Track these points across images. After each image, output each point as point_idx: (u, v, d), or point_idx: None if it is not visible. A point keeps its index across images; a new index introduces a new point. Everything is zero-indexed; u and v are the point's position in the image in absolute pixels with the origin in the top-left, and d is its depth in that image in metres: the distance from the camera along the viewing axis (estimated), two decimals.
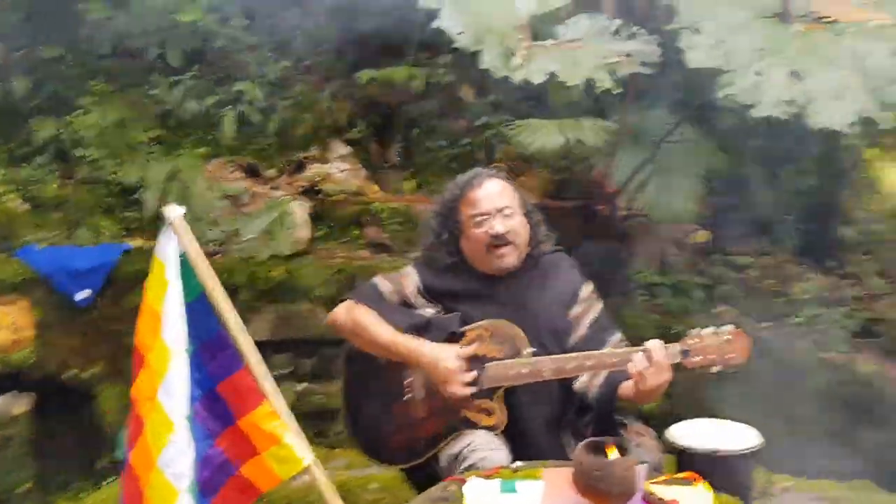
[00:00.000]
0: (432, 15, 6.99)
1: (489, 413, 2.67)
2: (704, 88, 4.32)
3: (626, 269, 6.18)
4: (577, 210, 5.45)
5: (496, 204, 2.74)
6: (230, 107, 6.91)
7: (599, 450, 1.99)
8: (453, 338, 2.69)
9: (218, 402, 1.99)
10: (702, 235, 6.98)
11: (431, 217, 2.93)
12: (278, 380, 2.46)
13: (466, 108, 7.53)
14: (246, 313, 6.02)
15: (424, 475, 2.76)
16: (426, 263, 2.87)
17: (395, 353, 2.69)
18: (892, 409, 5.64)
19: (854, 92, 3.86)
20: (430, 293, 2.78)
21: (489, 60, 4.03)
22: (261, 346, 5.59)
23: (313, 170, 7.06)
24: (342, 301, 2.92)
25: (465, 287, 2.79)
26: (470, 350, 2.64)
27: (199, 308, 2.02)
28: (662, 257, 6.48)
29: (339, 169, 7.19)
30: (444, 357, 2.62)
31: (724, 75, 4.00)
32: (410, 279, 2.85)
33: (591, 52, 4.28)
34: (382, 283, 2.88)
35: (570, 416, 2.78)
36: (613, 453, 1.97)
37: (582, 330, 2.78)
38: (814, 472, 4.47)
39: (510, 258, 2.74)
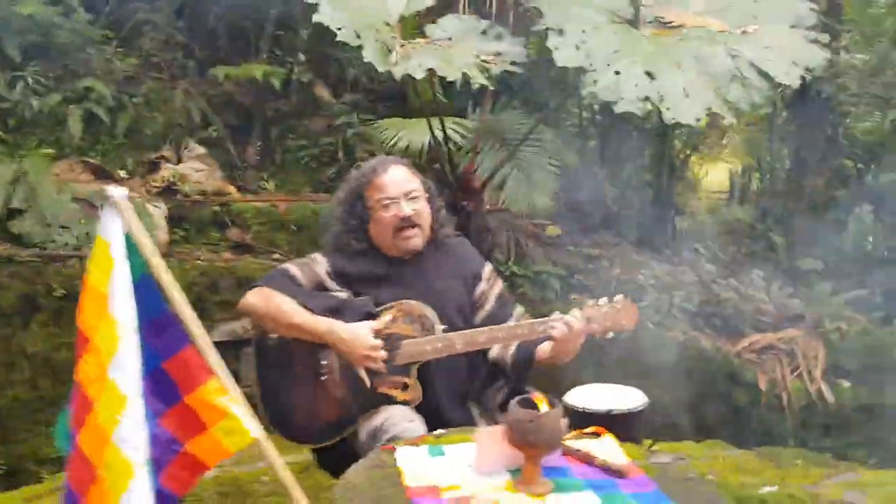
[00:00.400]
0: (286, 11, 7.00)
1: (405, 388, 2.78)
2: (568, 87, 4.63)
3: (490, 262, 6.46)
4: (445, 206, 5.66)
5: (403, 188, 2.85)
6: (76, 105, 6.55)
7: (531, 405, 2.15)
8: (367, 318, 2.77)
9: (162, 381, 1.96)
10: (552, 229, 7.44)
11: (336, 206, 2.98)
12: None
13: (325, 108, 7.57)
14: None
15: (336, 456, 2.81)
16: (335, 250, 2.93)
17: (312, 334, 2.73)
18: (729, 378, 6.29)
19: (700, 90, 4.30)
20: (340, 278, 2.84)
21: (370, 55, 4.13)
22: None
23: (167, 170, 6.83)
24: (251, 288, 2.92)
25: (374, 271, 2.87)
26: (382, 325, 2.73)
27: (143, 287, 1.99)
28: (521, 249, 6.83)
29: (194, 169, 6.99)
30: (361, 335, 2.69)
31: (588, 74, 4.33)
32: (320, 265, 2.90)
33: (464, 50, 4.49)
34: (293, 268, 2.91)
35: (478, 389, 2.94)
36: (544, 406, 2.14)
37: (488, 306, 2.95)
38: (670, 436, 4.90)
39: (417, 240, 2.86)
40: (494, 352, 2.86)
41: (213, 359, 2.01)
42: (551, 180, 6.39)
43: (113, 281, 1.90)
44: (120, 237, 1.96)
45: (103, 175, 6.58)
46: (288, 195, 7.31)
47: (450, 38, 4.62)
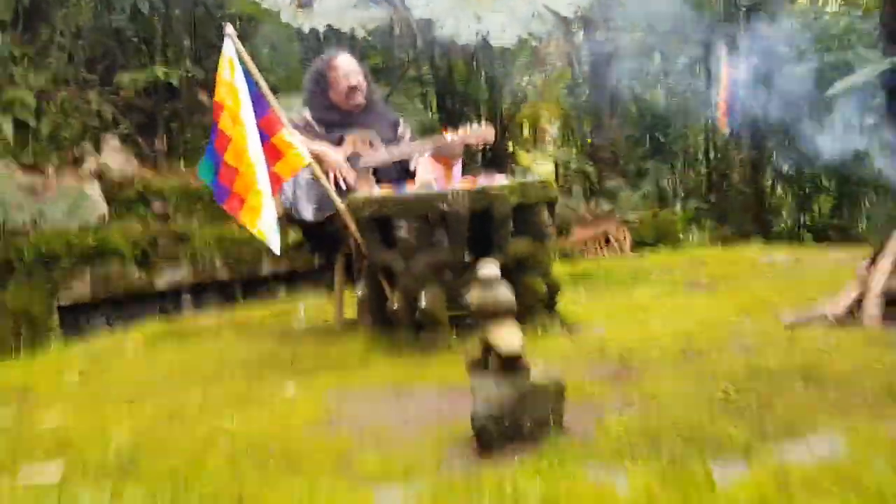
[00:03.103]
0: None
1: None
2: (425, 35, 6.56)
3: None
4: None
5: (350, 67, 4.55)
6: (4, 114, 7.71)
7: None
8: (339, 145, 4.43)
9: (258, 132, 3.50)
10: None
11: (307, 81, 4.60)
12: None
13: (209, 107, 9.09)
14: (67, 279, 7.02)
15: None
16: (311, 108, 4.56)
17: (316, 156, 4.32)
18: None
19: (512, 25, 6.35)
20: (318, 122, 4.49)
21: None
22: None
23: (91, 162, 8.10)
24: None
25: (336, 119, 4.56)
26: (348, 148, 4.42)
27: (246, 78, 3.54)
28: None
29: (114, 160, 8.29)
30: (334, 153, 4.36)
31: (436, 22, 6.26)
32: (308, 115, 4.51)
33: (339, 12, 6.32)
34: (305, 117, 4.46)
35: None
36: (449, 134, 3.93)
37: (407, 136, 4.70)
38: None
39: (360, 98, 4.58)
40: (412, 164, 4.59)
41: (283, 119, 3.65)
42: None
43: (237, 76, 3.48)
44: (235, 54, 3.54)
45: (35, 169, 7.77)
46: (194, 175, 8.73)
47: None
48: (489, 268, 2.24)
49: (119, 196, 7.99)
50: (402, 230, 3.45)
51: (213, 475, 1.94)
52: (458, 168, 4.03)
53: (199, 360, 4.07)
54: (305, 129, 4.33)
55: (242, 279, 8.10)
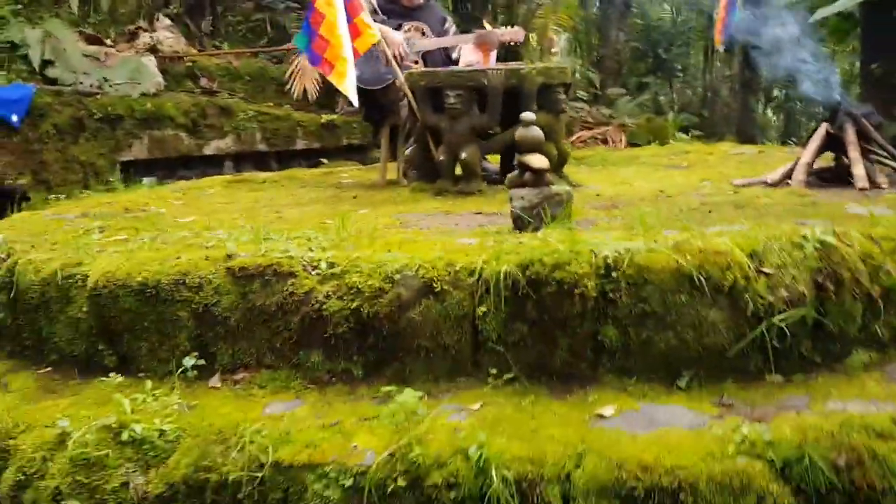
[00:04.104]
0: None
1: (416, 63, 5.44)
2: None
3: None
4: None
5: None
6: None
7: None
8: (398, 30, 5.38)
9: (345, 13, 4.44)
10: None
11: None
12: None
13: None
14: (128, 138, 7.98)
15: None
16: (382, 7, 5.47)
17: (383, 34, 5.25)
18: None
19: None
20: (382, 10, 5.41)
21: None
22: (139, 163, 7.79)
23: (144, 38, 8.94)
24: None
25: (397, 9, 5.48)
26: (405, 32, 5.37)
27: None
28: None
29: (165, 37, 9.13)
30: (397, 36, 5.30)
31: None
32: (373, 3, 5.42)
33: None
34: (368, 3, 5.38)
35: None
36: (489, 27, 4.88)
37: (452, 30, 5.64)
38: None
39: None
40: (454, 53, 5.54)
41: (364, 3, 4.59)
42: None
43: None
44: None
45: (96, 41, 8.62)
46: (234, 57, 9.60)
47: None
48: (529, 116, 3.28)
49: (170, 70, 8.88)
50: (451, 98, 4.45)
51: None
52: (493, 55, 5.01)
53: (277, 197, 5.11)
54: (372, 13, 5.28)
55: (278, 152, 9.12)
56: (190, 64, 9.01)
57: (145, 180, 7.66)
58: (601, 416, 2.26)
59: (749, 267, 2.44)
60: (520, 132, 3.27)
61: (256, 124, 8.93)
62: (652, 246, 2.45)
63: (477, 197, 4.42)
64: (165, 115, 8.23)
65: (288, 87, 8.79)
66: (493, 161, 5.25)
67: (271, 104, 9.35)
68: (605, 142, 9.78)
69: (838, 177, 4.18)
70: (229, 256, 2.70)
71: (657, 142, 8.99)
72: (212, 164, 8.69)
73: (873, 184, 3.94)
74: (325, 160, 9.02)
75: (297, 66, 9.24)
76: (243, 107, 8.95)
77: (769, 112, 12.66)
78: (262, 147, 8.96)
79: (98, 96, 7.91)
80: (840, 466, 1.98)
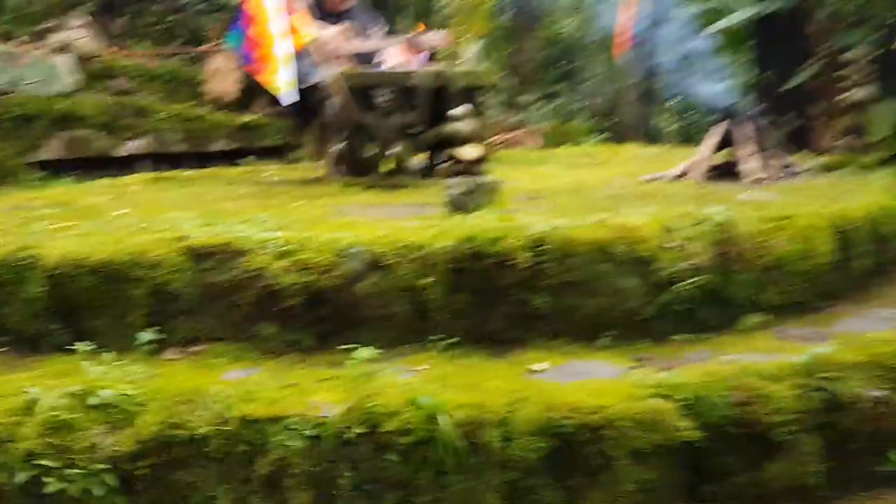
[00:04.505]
0: None
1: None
2: None
3: None
4: None
5: None
6: None
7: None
8: None
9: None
10: None
11: None
12: None
13: None
14: (43, 138, 7.88)
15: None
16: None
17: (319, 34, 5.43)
18: None
19: None
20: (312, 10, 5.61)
21: None
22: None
23: (58, 36, 8.82)
24: None
25: (327, 12, 5.68)
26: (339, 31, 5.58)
27: None
28: None
29: (79, 36, 9.02)
30: (329, 32, 5.50)
31: None
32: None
33: None
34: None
35: None
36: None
37: (381, 34, 5.89)
38: None
39: (349, 4, 5.71)
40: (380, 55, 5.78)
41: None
42: None
43: None
44: None
45: (9, 40, 8.47)
46: (149, 58, 9.55)
47: None
48: (463, 111, 3.57)
49: (84, 70, 8.78)
50: (382, 96, 4.70)
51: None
52: (421, 58, 5.28)
53: (207, 192, 5.22)
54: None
55: (196, 153, 9.10)
56: (105, 64, 8.93)
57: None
58: (534, 371, 2.56)
59: (658, 240, 2.79)
60: (451, 126, 3.55)
61: (173, 125, 8.90)
62: (577, 223, 2.77)
63: (407, 190, 4.66)
64: (81, 114, 8.16)
65: (205, 87, 8.83)
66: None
67: (188, 105, 9.33)
68: (519, 146, 10.18)
69: (732, 171, 4.64)
70: (184, 237, 2.87)
71: (569, 144, 9.46)
72: (128, 165, 8.60)
73: (763, 177, 4.41)
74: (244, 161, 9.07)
75: (214, 66, 9.30)
76: (160, 107, 8.91)
77: (670, 118, 13.41)
78: (179, 148, 8.93)
79: (11, 94, 7.79)
80: (735, 403, 2.33)
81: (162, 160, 8.82)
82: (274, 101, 4.74)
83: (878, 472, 2.59)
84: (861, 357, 2.57)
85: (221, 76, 9.43)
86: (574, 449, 2.28)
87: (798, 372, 2.45)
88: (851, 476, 2.54)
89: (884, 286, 3.51)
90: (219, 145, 9.20)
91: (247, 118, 9.36)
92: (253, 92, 9.32)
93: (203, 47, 9.63)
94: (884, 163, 4.77)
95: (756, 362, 2.50)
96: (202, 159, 9.04)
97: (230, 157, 9.28)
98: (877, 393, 2.52)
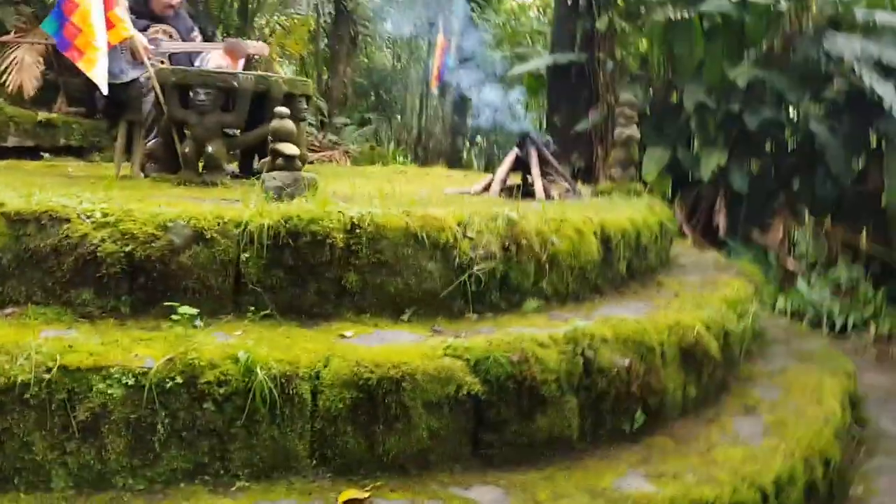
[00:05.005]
0: None
1: (162, 62, 5.68)
2: None
3: None
4: None
5: None
6: None
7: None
8: (144, 31, 5.58)
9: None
10: None
11: None
12: None
13: None
14: None
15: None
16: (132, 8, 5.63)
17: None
18: None
19: None
20: (135, 14, 5.57)
21: None
22: None
23: None
24: None
25: (147, 13, 5.69)
26: (155, 35, 5.60)
27: None
28: None
29: None
30: (142, 39, 5.53)
31: None
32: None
33: None
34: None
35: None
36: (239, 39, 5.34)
37: (198, 39, 5.97)
38: None
39: (171, 11, 5.76)
40: (198, 59, 5.89)
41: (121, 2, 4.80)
42: None
43: None
44: None
45: None
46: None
47: None
48: (284, 110, 3.82)
49: None
50: (201, 95, 4.82)
51: None
52: (241, 63, 5.46)
53: (8, 181, 5.04)
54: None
55: None
56: None
57: None
58: (343, 336, 2.85)
59: (458, 231, 3.20)
60: (274, 123, 3.79)
61: None
62: (388, 211, 3.12)
63: (220, 188, 4.80)
64: None
65: (2, 80, 8.39)
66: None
67: None
68: (331, 163, 10.48)
69: (524, 190, 5.22)
70: (1, 203, 2.89)
71: (380, 164, 9.90)
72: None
73: (548, 195, 5.01)
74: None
75: (13, 59, 8.84)
76: None
77: (473, 150, 14.31)
78: None
79: None
80: (514, 361, 2.75)
81: None
82: (75, 99, 4.72)
83: (624, 430, 3.13)
84: (612, 333, 3.11)
85: (23, 69, 8.97)
86: (376, 400, 2.59)
87: (564, 340, 2.93)
88: (603, 431, 3.06)
89: (641, 285, 4.17)
90: (13, 141, 8.70)
91: (45, 115, 8.96)
92: (54, 89, 8.98)
93: (3, 38, 9.12)
94: (646, 191, 5.59)
95: (532, 333, 2.95)
96: None
97: (26, 154, 8.82)
98: (625, 361, 3.06)
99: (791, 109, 8.91)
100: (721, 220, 8.30)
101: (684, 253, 5.90)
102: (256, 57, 5.94)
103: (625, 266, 4.01)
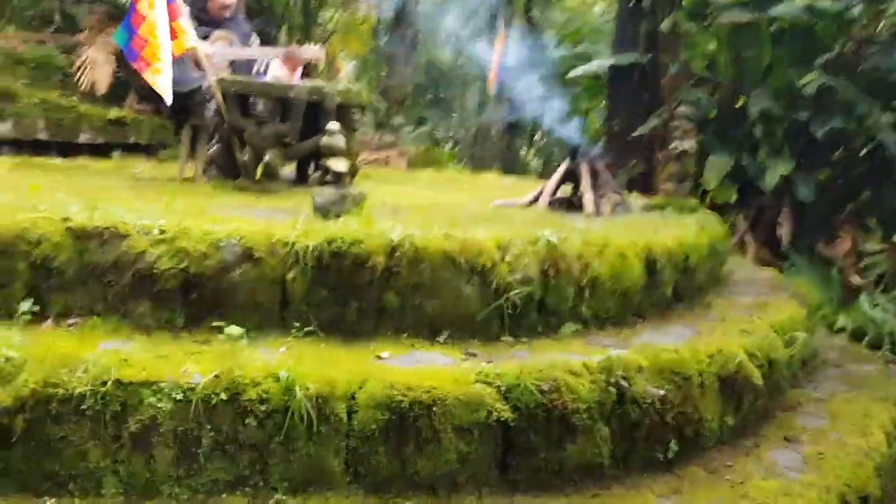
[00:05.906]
0: None
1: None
2: None
3: None
4: None
5: None
6: None
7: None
8: (205, 39, 5.79)
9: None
10: None
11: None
12: None
13: None
14: None
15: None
16: (190, 6, 5.85)
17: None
18: None
19: None
20: (196, 20, 5.80)
21: None
22: None
23: None
24: None
25: (207, 19, 5.91)
26: (214, 38, 5.80)
27: None
28: None
29: None
30: (204, 49, 5.74)
31: None
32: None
33: None
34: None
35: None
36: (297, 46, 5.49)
37: (257, 44, 6.16)
38: None
39: (228, 12, 5.96)
40: (257, 65, 6.07)
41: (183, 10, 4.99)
42: None
43: None
44: None
45: None
46: (18, 41, 9.33)
47: None
48: (335, 126, 3.94)
49: None
50: (259, 105, 5.00)
51: None
52: (299, 72, 5.62)
53: (76, 183, 5.30)
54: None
55: (60, 143, 8.94)
56: None
57: None
58: (380, 357, 2.96)
59: (496, 255, 3.27)
60: (325, 140, 3.92)
61: (39, 112, 8.74)
62: (428, 233, 3.20)
63: (276, 195, 4.97)
64: None
65: (76, 77, 8.73)
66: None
67: (56, 93, 9.16)
68: (386, 164, 10.63)
69: (574, 204, 5.25)
70: (67, 219, 3.08)
71: (433, 168, 9.99)
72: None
73: (598, 210, 5.03)
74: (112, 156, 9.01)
75: (87, 57, 9.18)
76: (26, 92, 8.73)
77: (531, 152, 14.28)
78: (43, 136, 8.77)
79: None
80: (544, 390, 2.81)
81: (24, 147, 8.62)
82: (144, 97, 4.93)
83: (657, 458, 3.15)
84: (649, 362, 3.14)
85: (95, 68, 9.33)
86: (408, 422, 2.69)
87: (598, 369, 2.98)
88: (635, 459, 3.09)
89: (688, 308, 4.16)
90: (85, 137, 9.07)
91: (116, 113, 9.30)
92: (125, 87, 9.31)
93: (78, 37, 9.49)
94: (702, 205, 5.55)
95: (565, 360, 3.01)
96: (67, 150, 8.91)
97: (97, 151, 9.19)
98: (659, 391, 3.08)
99: (861, 118, 8.67)
100: (785, 232, 8.13)
101: (739, 269, 5.82)
102: (314, 62, 6.08)
103: (670, 289, 4.02)
